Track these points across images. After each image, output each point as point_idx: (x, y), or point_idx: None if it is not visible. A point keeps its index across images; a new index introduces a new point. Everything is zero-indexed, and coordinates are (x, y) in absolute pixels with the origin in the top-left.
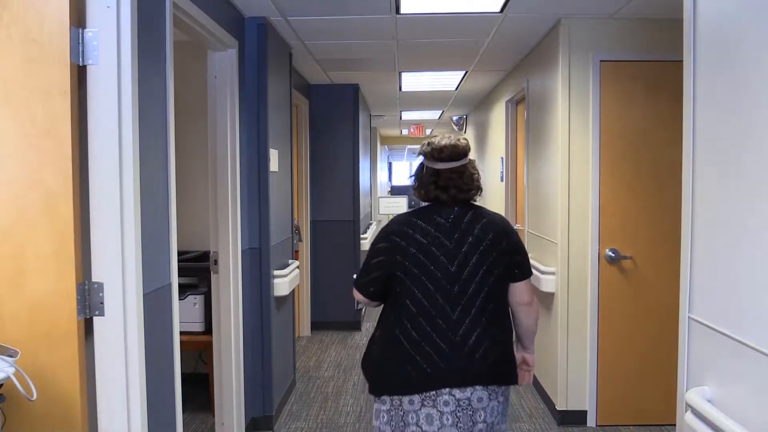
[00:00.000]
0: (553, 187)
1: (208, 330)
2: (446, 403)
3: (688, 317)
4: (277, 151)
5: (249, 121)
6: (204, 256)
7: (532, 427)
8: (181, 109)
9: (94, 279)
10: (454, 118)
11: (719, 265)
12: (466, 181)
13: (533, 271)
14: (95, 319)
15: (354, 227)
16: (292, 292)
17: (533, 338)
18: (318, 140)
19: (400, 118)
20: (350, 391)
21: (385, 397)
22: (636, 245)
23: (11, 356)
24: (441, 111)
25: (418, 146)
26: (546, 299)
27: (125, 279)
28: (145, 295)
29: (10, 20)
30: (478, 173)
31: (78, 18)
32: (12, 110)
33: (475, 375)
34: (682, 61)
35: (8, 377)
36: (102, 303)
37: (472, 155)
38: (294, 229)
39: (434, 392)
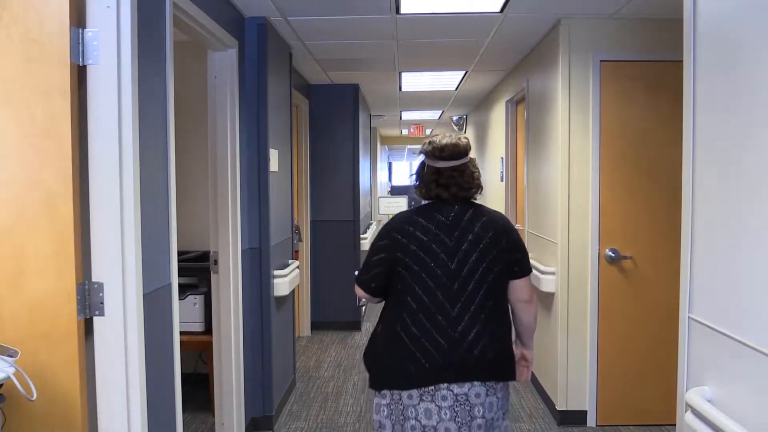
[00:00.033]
0: (553, 187)
1: (208, 330)
2: (444, 398)
3: (688, 317)
4: (277, 151)
5: (249, 121)
6: (204, 256)
7: (532, 427)
8: (181, 109)
9: (94, 279)
10: (454, 118)
11: (719, 265)
12: (467, 180)
13: (533, 270)
14: (95, 319)
15: (354, 227)
16: (292, 292)
17: (532, 335)
18: (318, 140)
19: (400, 118)
20: (350, 391)
21: (386, 392)
22: (636, 245)
23: (11, 356)
24: (441, 111)
25: (418, 146)
26: (546, 299)
27: (125, 279)
28: (145, 295)
29: (10, 20)
30: (479, 172)
31: (78, 18)
32: (12, 110)
33: (473, 371)
34: (682, 61)
35: (8, 377)
36: (102, 303)
37: (472, 155)
38: (294, 229)
39: (433, 387)
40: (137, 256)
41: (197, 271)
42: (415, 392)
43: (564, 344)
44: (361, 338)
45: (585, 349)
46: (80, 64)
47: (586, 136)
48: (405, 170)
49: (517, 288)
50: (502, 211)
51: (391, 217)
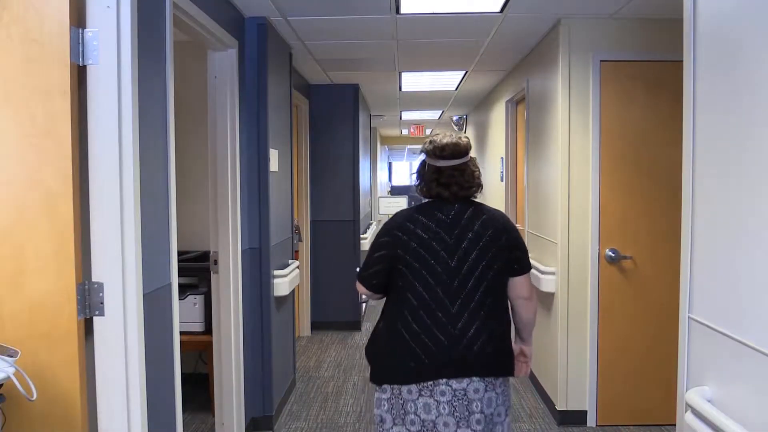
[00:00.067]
0: (553, 187)
1: (208, 330)
2: (443, 393)
3: (688, 317)
4: (277, 151)
5: (249, 121)
6: (204, 256)
7: (532, 427)
8: (181, 109)
9: (94, 279)
10: (454, 118)
11: (719, 265)
12: (467, 179)
13: (533, 270)
14: (95, 319)
15: (354, 227)
16: (292, 292)
17: (531, 331)
18: (318, 140)
19: (400, 118)
20: (350, 391)
21: (386, 386)
22: (636, 245)
23: (11, 356)
24: (441, 111)
25: (418, 146)
26: (546, 299)
27: (125, 279)
28: (145, 295)
29: (10, 20)
30: (479, 171)
31: (78, 18)
32: (12, 110)
33: (472, 366)
34: (682, 61)
35: (8, 377)
36: (102, 303)
37: (472, 155)
38: (294, 229)
39: (432, 382)
40: (137, 256)
41: (197, 271)
42: (414, 387)
43: (564, 344)
44: (361, 338)
45: (585, 349)
46: (80, 64)
47: (586, 136)
48: (405, 170)
49: (517, 285)
50: (502, 211)
51: (391, 216)
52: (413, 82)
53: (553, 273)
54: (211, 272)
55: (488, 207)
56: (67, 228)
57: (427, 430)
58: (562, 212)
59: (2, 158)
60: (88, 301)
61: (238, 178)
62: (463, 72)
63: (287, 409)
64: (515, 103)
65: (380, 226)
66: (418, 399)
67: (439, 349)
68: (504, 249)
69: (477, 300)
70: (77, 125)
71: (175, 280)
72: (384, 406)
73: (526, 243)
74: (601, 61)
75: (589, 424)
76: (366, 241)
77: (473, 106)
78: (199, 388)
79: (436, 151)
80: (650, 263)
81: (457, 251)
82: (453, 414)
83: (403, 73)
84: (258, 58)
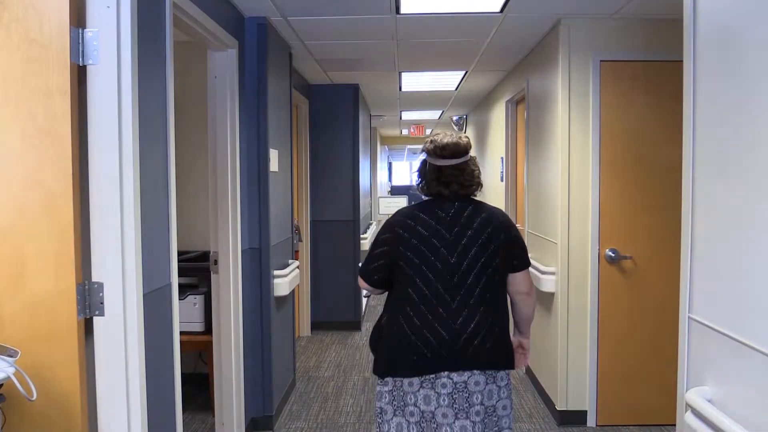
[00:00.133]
0: (553, 187)
1: (208, 330)
2: (444, 386)
3: (688, 317)
4: (277, 151)
5: (249, 121)
6: (204, 256)
7: (532, 427)
8: (181, 109)
9: (94, 279)
10: (454, 118)
11: (719, 265)
12: (467, 178)
13: (533, 270)
14: (95, 319)
15: (354, 227)
16: (292, 292)
17: (530, 325)
18: (318, 140)
19: (400, 118)
20: (350, 391)
21: (389, 379)
22: (636, 245)
23: (11, 356)
24: (441, 111)
25: (418, 146)
26: (546, 299)
27: (125, 279)
28: (145, 295)
29: (10, 20)
30: (479, 170)
31: (78, 18)
32: (12, 110)
33: (472, 360)
34: (682, 61)
35: (8, 377)
36: (102, 303)
37: (472, 154)
38: (294, 229)
39: (433, 375)
40: (137, 256)
41: (197, 271)
42: (416, 380)
43: (564, 344)
44: (361, 338)
45: (585, 349)
46: (80, 64)
47: (586, 136)
48: (405, 170)
49: (517, 280)
50: (502, 209)
51: (392, 214)
52: (413, 82)
53: (553, 273)
54: (211, 272)
55: (488, 205)
56: (67, 228)
57: (426, 420)
58: (562, 212)
59: (2, 158)
60: (88, 301)
61: (238, 178)
62: (463, 72)
63: (287, 409)
64: (515, 103)
65: (380, 226)
66: (419, 391)
67: (440, 343)
68: (503, 246)
69: (477, 295)
70: (77, 125)
71: (175, 280)
72: (385, 398)
73: (526, 243)
74: (601, 61)
75: (589, 424)
76: (366, 241)
77: (473, 106)
78: (199, 388)
79: (437, 151)
80: (650, 263)
81: (457, 248)
82: (452, 406)
83: (403, 73)
84: (258, 58)
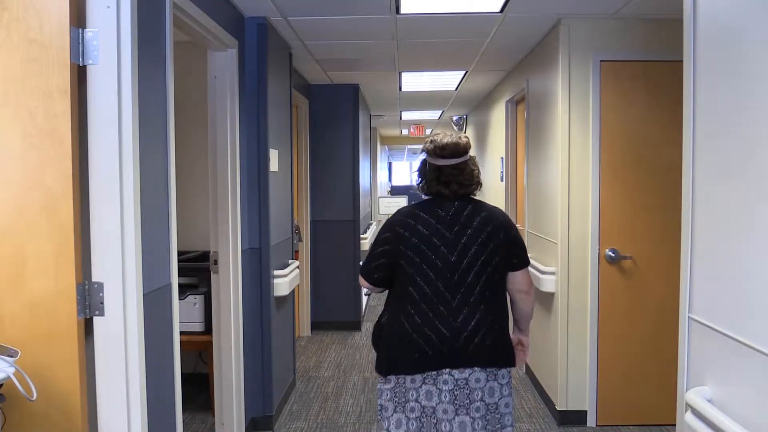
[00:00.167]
0: (553, 187)
1: (208, 330)
2: (445, 382)
3: (688, 317)
4: (277, 151)
5: (249, 121)
6: (204, 256)
7: (532, 427)
8: (181, 109)
9: (94, 279)
10: (454, 118)
11: (719, 265)
12: (467, 177)
13: (533, 270)
14: (95, 319)
15: (354, 227)
16: (292, 292)
17: (529, 322)
18: (318, 140)
19: (400, 118)
20: (350, 391)
21: (391, 377)
22: (636, 245)
23: (11, 356)
24: (441, 111)
25: (418, 146)
26: (546, 299)
27: (125, 279)
28: (145, 295)
29: (10, 20)
30: (478, 169)
31: (78, 18)
32: (12, 110)
33: (473, 357)
34: (682, 61)
35: (8, 377)
36: (102, 303)
37: (471, 154)
38: (294, 229)
39: (435, 372)
40: (137, 256)
41: (197, 271)
42: (418, 377)
43: (564, 344)
44: (361, 338)
45: (585, 349)
46: (80, 64)
47: (586, 136)
48: (405, 170)
49: (517, 279)
50: (501, 209)
51: (392, 213)
52: (413, 82)
53: (553, 273)
54: (211, 272)
55: (487, 204)
56: (67, 228)
57: (426, 415)
58: (562, 212)
59: (2, 158)
60: (88, 301)
61: (238, 178)
62: (463, 72)
63: (287, 409)
64: (515, 103)
65: (380, 226)
66: (420, 387)
67: (441, 341)
68: (502, 245)
69: (477, 293)
70: (77, 125)
71: (175, 280)
72: (386, 395)
73: (526, 243)
74: (601, 61)
75: (589, 424)
76: (366, 242)
77: (473, 106)
78: (199, 388)
79: (437, 151)
80: (650, 263)
81: (457, 246)
82: (453, 402)
83: (403, 73)
84: (258, 58)
